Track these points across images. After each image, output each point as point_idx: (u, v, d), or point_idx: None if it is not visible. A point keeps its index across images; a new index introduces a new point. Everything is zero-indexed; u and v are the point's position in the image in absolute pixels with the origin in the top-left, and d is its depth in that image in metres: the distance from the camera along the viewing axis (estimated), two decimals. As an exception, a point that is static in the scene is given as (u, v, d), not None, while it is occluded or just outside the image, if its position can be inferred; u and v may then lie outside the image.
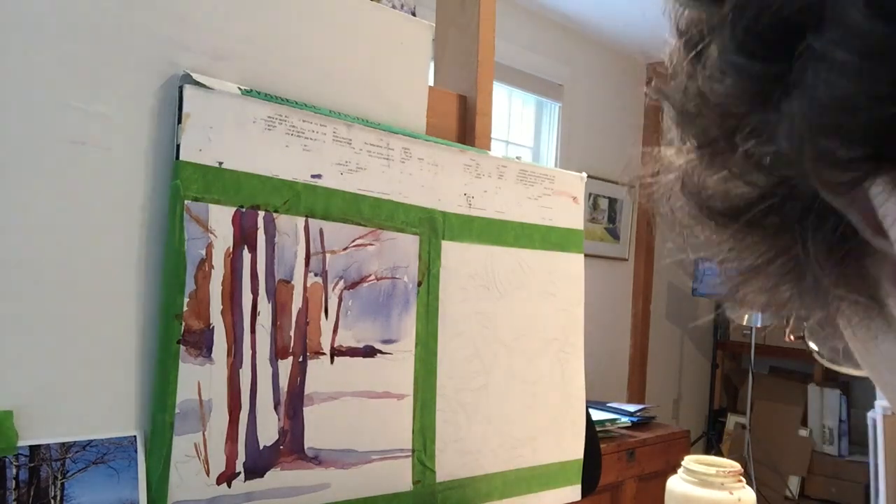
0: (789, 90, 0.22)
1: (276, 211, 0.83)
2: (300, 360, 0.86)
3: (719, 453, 4.14)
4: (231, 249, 0.80)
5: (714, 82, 0.24)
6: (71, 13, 0.70)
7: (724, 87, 0.24)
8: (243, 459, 0.81)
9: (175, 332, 0.75)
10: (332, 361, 0.89)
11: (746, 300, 0.29)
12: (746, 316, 4.06)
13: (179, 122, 0.76)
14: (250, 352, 0.81)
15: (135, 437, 0.74)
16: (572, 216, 1.20)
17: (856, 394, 4.29)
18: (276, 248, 0.83)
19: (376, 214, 0.93)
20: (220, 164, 0.79)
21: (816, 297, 0.26)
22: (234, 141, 0.80)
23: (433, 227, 1.00)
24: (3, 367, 0.67)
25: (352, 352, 0.91)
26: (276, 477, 0.83)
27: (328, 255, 0.88)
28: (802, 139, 0.22)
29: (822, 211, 0.24)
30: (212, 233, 0.78)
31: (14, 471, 0.66)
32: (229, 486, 0.80)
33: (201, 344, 0.77)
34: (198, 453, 0.77)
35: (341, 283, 0.90)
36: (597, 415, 2.66)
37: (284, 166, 0.84)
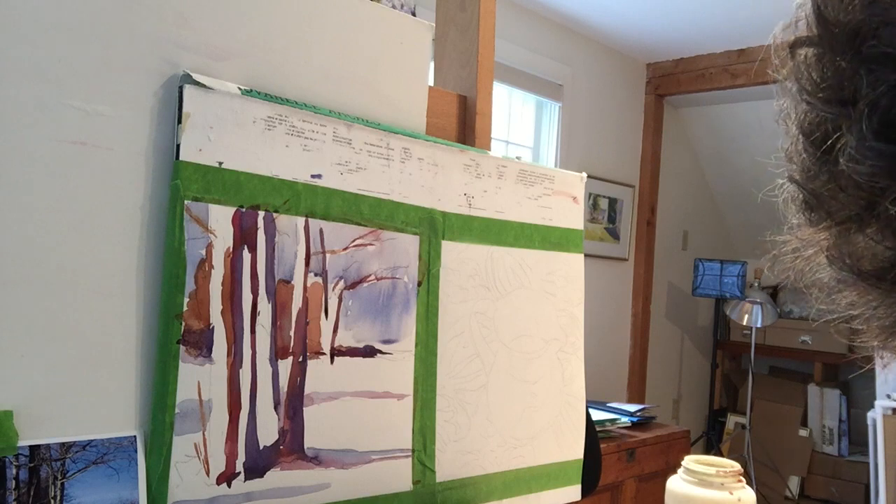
0: None
1: (276, 211, 0.83)
2: (300, 360, 0.86)
3: (719, 453, 4.14)
4: (231, 249, 0.80)
5: (856, 165, 0.29)
6: (71, 13, 0.70)
7: (866, 168, 0.29)
8: (243, 459, 0.81)
9: (175, 332, 0.75)
10: (332, 361, 0.89)
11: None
12: (746, 316, 4.06)
13: (179, 122, 0.76)
14: (250, 352, 0.81)
15: (135, 437, 0.74)
16: (572, 216, 1.20)
17: (856, 394, 4.29)
18: (276, 248, 0.83)
19: (376, 214, 0.93)
20: (220, 164, 0.79)
21: None
22: (234, 141, 0.80)
23: (433, 227, 1.00)
24: (3, 367, 0.67)
25: (352, 352, 0.91)
26: (276, 477, 0.83)
27: (328, 255, 0.88)
28: None
29: None
30: (212, 233, 0.78)
31: (14, 471, 0.66)
32: (229, 486, 0.80)
33: (201, 344, 0.77)
34: (198, 453, 0.77)
35: (341, 283, 0.90)
36: (597, 415, 2.66)
37: (284, 166, 0.84)
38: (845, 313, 0.34)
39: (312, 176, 0.87)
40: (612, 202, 3.83)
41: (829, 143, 0.30)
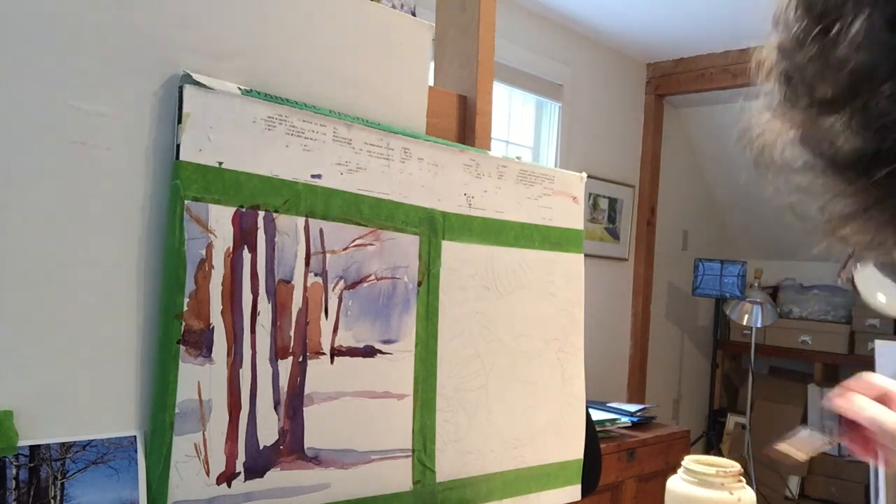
0: None
1: (276, 211, 0.83)
2: (300, 360, 0.86)
3: (719, 453, 4.14)
4: (231, 249, 0.80)
5: (857, 52, 0.27)
6: (71, 13, 0.70)
7: (866, 56, 0.27)
8: (243, 459, 0.81)
9: (175, 332, 0.75)
10: (332, 361, 0.89)
11: (847, 238, 0.33)
12: (746, 316, 4.06)
13: (179, 122, 0.76)
14: (250, 352, 0.81)
15: (135, 437, 0.74)
16: (572, 216, 1.20)
17: (856, 394, 4.28)
18: (276, 248, 0.83)
19: (376, 214, 0.93)
20: (220, 164, 0.79)
21: None
22: (234, 141, 0.80)
23: (433, 227, 1.00)
24: (3, 367, 0.67)
25: (352, 352, 0.91)
26: (276, 477, 0.83)
27: (328, 255, 0.88)
28: None
29: None
30: (212, 233, 0.78)
31: (14, 471, 0.66)
32: (229, 486, 0.80)
33: (201, 344, 0.77)
34: (198, 453, 0.77)
35: (341, 283, 0.90)
36: (597, 415, 2.66)
37: (284, 166, 0.84)
38: (798, 196, 0.33)
39: (312, 176, 0.87)
40: (612, 202, 3.83)
41: (830, 17, 0.28)
